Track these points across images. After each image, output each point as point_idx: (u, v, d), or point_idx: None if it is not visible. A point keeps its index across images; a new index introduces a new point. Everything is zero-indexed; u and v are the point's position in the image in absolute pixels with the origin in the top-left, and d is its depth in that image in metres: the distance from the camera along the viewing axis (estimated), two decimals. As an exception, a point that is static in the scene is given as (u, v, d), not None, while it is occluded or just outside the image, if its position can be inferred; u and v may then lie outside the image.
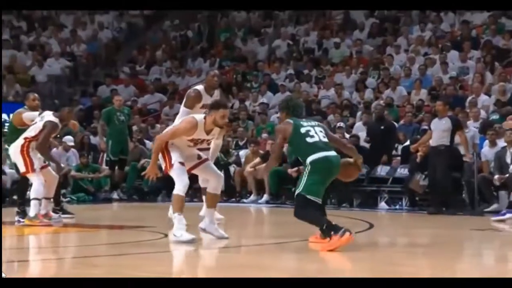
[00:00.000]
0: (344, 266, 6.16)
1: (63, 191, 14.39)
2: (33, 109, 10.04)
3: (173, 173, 7.25)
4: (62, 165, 14.66)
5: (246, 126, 16.84)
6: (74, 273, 5.55)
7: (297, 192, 6.97)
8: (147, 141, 15.74)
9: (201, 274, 5.82)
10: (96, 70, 21.68)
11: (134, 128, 16.14)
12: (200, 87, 9.24)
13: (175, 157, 7.28)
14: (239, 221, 10.90)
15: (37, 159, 9.39)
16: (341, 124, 14.74)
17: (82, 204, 13.92)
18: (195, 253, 6.87)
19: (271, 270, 5.74)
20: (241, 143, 15.76)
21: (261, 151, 14.52)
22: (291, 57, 19.82)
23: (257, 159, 14.15)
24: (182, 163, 7.30)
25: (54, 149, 15.23)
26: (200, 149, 7.74)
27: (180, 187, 7.20)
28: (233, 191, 14.44)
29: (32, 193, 9.32)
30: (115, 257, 6.62)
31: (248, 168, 14.06)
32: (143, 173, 7.84)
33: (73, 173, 14.72)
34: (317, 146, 6.96)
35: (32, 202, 9.31)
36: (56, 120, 9.46)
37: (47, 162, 9.58)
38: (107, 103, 17.15)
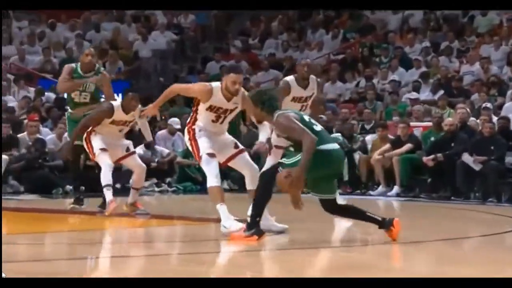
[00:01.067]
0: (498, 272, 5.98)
1: (168, 179, 14.77)
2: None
3: (202, 165, 7.71)
4: (167, 150, 15.17)
5: (374, 107, 16.68)
6: (180, 271, 5.68)
7: (281, 161, 7.11)
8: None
9: (322, 274, 5.80)
10: (204, 44, 22.01)
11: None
12: (290, 77, 9.20)
13: (203, 148, 7.66)
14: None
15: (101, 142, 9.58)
16: (488, 104, 14.35)
17: (189, 194, 14.19)
18: (316, 251, 6.87)
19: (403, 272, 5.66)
20: (367, 127, 15.63)
21: (390, 136, 14.35)
22: (427, 26, 19.43)
23: (386, 145, 13.99)
24: (211, 154, 7.63)
25: (160, 132, 15.65)
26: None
27: (212, 178, 7.63)
28: (358, 182, 14.36)
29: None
30: (224, 253, 6.71)
31: (376, 156, 13.93)
32: (142, 111, 8.83)
33: (179, 159, 15.02)
34: (324, 136, 7.03)
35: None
36: (116, 104, 9.60)
37: (131, 150, 9.84)
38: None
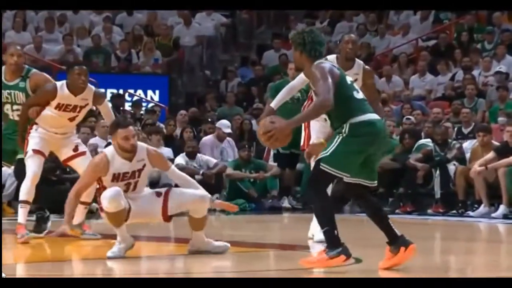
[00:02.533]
0: None
1: (216, 195, 14.75)
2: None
3: None
4: (214, 160, 15.16)
5: (474, 105, 16.46)
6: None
7: (319, 157, 7.17)
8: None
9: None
10: (261, 29, 22.01)
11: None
12: (332, 56, 9.35)
13: None
14: (462, 243, 10.66)
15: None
16: None
17: (242, 214, 14.16)
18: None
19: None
20: (465, 131, 15.42)
21: (495, 143, 14.12)
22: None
23: (490, 154, 13.77)
24: None
25: (206, 137, 15.64)
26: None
27: None
28: (453, 200, 14.17)
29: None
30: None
31: (476, 167, 13.72)
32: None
33: (229, 171, 15.00)
34: (364, 106, 7.16)
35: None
36: (59, 84, 9.36)
37: (80, 150, 9.55)
38: (276, 74, 17.33)
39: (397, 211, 14.15)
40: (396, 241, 7.16)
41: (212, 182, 14.65)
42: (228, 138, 15.68)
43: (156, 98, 19.14)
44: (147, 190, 8.36)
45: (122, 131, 8.09)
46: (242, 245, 9.69)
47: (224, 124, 15.79)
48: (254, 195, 14.95)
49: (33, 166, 9.08)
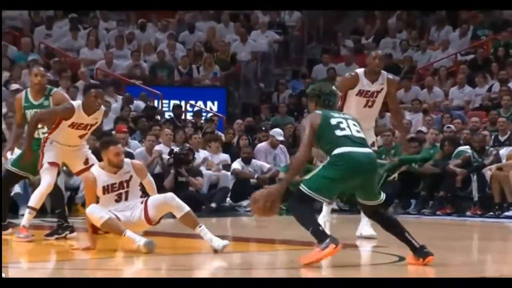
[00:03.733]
0: None
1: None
2: None
3: None
4: (268, 165, 15.12)
5: (510, 115, 16.23)
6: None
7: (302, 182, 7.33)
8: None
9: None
10: (311, 45, 21.94)
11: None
12: (360, 69, 9.49)
13: None
14: (498, 242, 10.50)
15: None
16: None
17: (291, 215, 14.12)
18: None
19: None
20: (502, 138, 15.22)
21: (530, 149, 13.93)
22: None
23: (524, 160, 13.59)
24: None
25: (260, 144, 15.63)
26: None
27: None
28: (490, 202, 13.98)
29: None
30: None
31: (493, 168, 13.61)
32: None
33: (281, 175, 14.93)
34: (347, 140, 7.24)
35: None
36: (76, 104, 9.25)
37: (90, 163, 9.39)
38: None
39: (437, 212, 14.01)
40: (416, 251, 7.18)
41: (266, 186, 14.60)
42: (280, 145, 15.65)
43: (214, 108, 19.16)
44: (139, 200, 8.48)
45: (114, 148, 8.39)
46: (291, 243, 9.64)
47: (277, 132, 15.77)
48: (305, 198, 14.86)
49: (48, 177, 9.09)
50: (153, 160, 14.26)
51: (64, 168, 10.72)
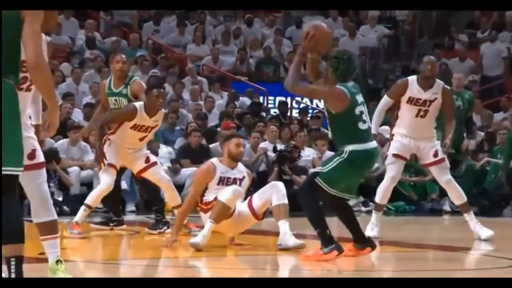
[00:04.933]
0: None
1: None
2: None
3: None
4: (376, 164, 14.91)
5: None
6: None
7: (316, 170, 7.68)
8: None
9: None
10: (423, 40, 21.64)
11: (475, 118, 15.66)
12: (413, 76, 9.56)
13: None
14: None
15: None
16: None
17: (401, 216, 13.95)
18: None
19: None
20: None
21: None
22: None
23: None
24: None
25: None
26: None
27: None
28: None
29: None
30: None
31: None
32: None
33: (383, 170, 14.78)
34: (366, 135, 7.49)
35: None
36: (138, 105, 9.34)
37: (152, 160, 9.66)
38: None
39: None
40: (360, 241, 7.71)
41: (373, 185, 14.43)
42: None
43: (321, 105, 19.05)
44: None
45: (236, 140, 8.58)
46: (402, 245, 9.55)
47: (386, 130, 15.54)
48: (414, 198, 14.68)
49: (107, 178, 9.26)
50: (258, 157, 14.26)
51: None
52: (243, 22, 21.19)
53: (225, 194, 8.16)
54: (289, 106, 18.17)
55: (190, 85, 17.44)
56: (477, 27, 21.11)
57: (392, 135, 9.71)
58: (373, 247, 7.79)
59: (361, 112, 7.43)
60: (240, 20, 21.39)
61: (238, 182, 8.57)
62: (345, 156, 7.41)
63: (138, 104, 9.30)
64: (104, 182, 9.29)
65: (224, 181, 8.52)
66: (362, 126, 7.41)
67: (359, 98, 7.49)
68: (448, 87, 9.74)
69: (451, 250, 9.27)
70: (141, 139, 9.47)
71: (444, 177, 9.56)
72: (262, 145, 14.53)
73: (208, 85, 18.03)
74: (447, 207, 14.45)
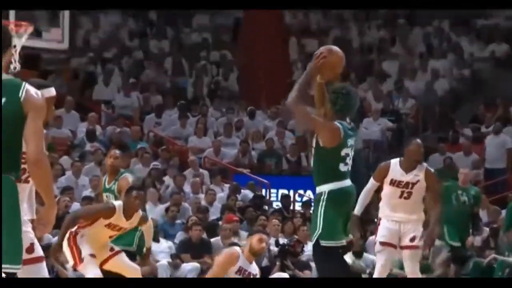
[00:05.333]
0: None
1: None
2: None
3: None
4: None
5: None
6: None
7: (314, 237, 7.36)
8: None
9: None
10: (427, 133, 21.74)
11: (482, 214, 15.60)
12: (395, 159, 9.93)
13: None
14: None
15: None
16: None
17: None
18: None
19: None
20: None
21: None
22: None
23: None
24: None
25: (372, 237, 15.36)
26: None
27: None
28: None
29: None
30: None
31: None
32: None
33: (395, 270, 14.66)
34: (343, 176, 7.37)
35: None
36: (118, 205, 9.23)
37: (115, 249, 9.51)
38: (441, 178, 16.97)
39: None
40: None
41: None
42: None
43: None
44: None
45: (259, 235, 8.78)
46: None
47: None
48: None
49: (96, 270, 8.95)
50: (260, 252, 14.19)
51: None
52: (245, 114, 21.33)
53: None
54: (291, 199, 18.14)
55: (192, 178, 17.45)
56: (482, 121, 21.21)
57: (379, 220, 9.75)
58: None
59: (346, 155, 7.38)
60: (242, 112, 21.54)
61: (252, 277, 8.65)
62: (325, 198, 7.36)
63: (118, 204, 9.17)
64: (93, 273, 8.93)
65: (241, 272, 8.59)
66: (342, 168, 7.35)
67: (350, 141, 7.42)
68: (432, 170, 9.83)
69: None
70: (110, 237, 9.34)
71: (411, 267, 9.60)
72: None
73: (210, 177, 18.04)
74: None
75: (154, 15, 24.97)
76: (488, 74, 22.98)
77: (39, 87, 5.53)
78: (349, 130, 7.48)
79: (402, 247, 9.67)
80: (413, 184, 9.56)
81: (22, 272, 5.34)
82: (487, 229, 15.49)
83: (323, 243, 7.31)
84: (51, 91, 6.02)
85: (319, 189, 7.48)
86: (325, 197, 7.36)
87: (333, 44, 8.02)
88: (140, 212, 9.36)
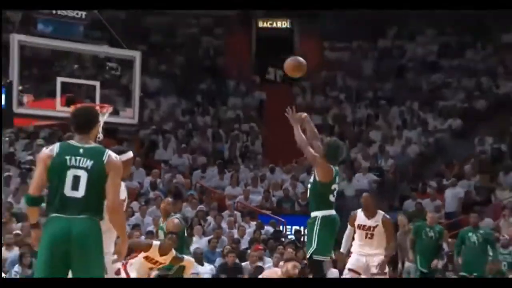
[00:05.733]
0: None
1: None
2: None
3: None
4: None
5: None
6: None
7: (309, 254, 7.38)
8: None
9: None
10: (402, 185, 21.60)
11: (444, 245, 15.43)
12: (360, 209, 9.83)
13: None
14: None
15: None
16: None
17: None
18: None
19: None
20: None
21: None
22: None
23: None
24: None
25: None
26: None
27: None
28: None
29: None
30: None
31: None
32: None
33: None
34: (332, 205, 7.53)
35: None
36: (155, 243, 9.04)
37: None
38: (414, 217, 16.82)
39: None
40: None
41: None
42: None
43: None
44: None
45: (294, 262, 8.55)
46: None
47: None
48: None
49: None
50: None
51: None
52: (267, 170, 21.30)
53: None
54: (302, 233, 18.02)
55: (227, 217, 17.42)
56: (443, 176, 21.06)
57: (351, 253, 9.76)
58: None
59: (334, 189, 7.52)
60: (265, 168, 21.50)
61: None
62: (319, 223, 7.38)
63: (156, 242, 9.09)
64: None
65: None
66: (331, 198, 7.46)
67: (338, 179, 7.64)
68: (388, 217, 9.82)
69: None
70: (150, 269, 9.19)
71: None
72: (281, 263, 14.32)
73: (241, 217, 18.00)
74: None
75: (200, 97, 25.12)
76: (447, 142, 22.88)
77: (119, 152, 5.57)
78: (338, 173, 7.60)
79: (372, 274, 9.54)
80: (374, 227, 9.55)
81: None
82: (446, 256, 15.32)
83: (315, 257, 7.35)
84: (129, 154, 6.03)
85: (313, 214, 7.50)
86: (319, 221, 7.41)
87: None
88: (174, 252, 9.14)
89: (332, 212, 7.49)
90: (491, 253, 13.45)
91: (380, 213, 9.71)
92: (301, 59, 7.77)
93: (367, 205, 9.67)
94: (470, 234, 13.44)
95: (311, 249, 7.41)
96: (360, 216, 9.63)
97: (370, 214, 9.56)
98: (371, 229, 9.51)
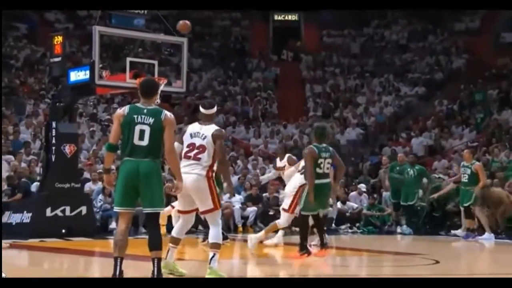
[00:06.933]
0: None
1: (357, 224, 14.19)
2: None
3: None
4: (356, 205, 14.57)
5: None
6: None
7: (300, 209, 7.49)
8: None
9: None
10: (381, 136, 21.51)
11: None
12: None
13: None
14: None
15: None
16: None
17: (370, 235, 13.63)
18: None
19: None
20: None
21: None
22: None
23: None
24: None
25: (352, 193, 15.17)
26: None
27: None
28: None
29: None
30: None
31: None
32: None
33: (364, 211, 14.52)
34: (319, 175, 7.29)
35: None
36: None
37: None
38: (391, 160, 16.81)
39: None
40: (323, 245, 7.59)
41: (355, 217, 14.04)
42: (364, 194, 15.02)
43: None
44: None
45: None
46: (370, 251, 9.17)
47: (362, 186, 15.18)
48: (378, 224, 14.22)
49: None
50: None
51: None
52: (282, 126, 20.96)
53: None
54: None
55: (252, 161, 17.36)
56: (411, 130, 20.83)
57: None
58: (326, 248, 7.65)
59: (321, 163, 7.36)
60: (280, 125, 21.18)
61: None
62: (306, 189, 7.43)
63: None
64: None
65: None
66: (319, 170, 7.34)
67: (324, 154, 7.40)
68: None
69: (395, 254, 8.97)
70: None
71: None
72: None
73: (262, 161, 17.93)
74: (399, 230, 13.61)
75: (231, 72, 24.94)
76: (414, 104, 22.67)
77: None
78: (323, 149, 7.42)
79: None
80: (282, 168, 9.52)
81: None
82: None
83: (304, 213, 7.49)
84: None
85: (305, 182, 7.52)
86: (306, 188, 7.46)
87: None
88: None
89: (319, 181, 7.27)
90: (425, 181, 13.23)
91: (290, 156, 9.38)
92: (187, 22, 7.93)
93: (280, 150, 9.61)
94: (408, 169, 13.22)
95: (300, 207, 7.66)
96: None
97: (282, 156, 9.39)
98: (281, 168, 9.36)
